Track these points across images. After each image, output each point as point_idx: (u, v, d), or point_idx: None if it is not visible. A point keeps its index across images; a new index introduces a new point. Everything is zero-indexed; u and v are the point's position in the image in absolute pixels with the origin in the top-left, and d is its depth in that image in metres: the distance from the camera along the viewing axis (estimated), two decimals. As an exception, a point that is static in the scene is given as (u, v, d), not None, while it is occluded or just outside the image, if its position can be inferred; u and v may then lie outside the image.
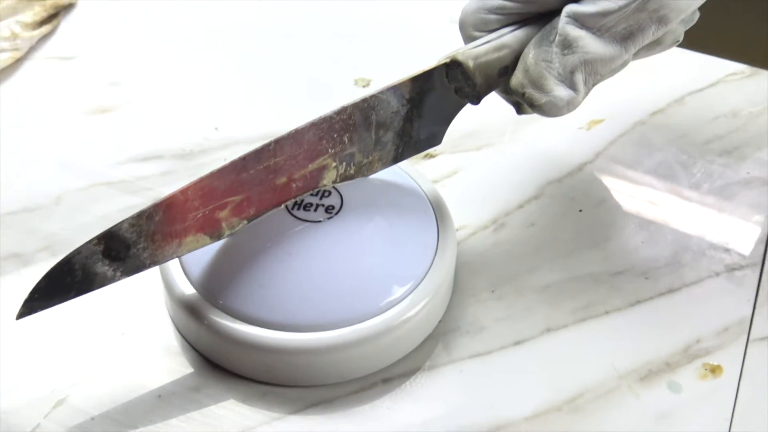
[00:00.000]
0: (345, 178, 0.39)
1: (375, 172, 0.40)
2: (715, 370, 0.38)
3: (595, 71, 0.37)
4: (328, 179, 0.38)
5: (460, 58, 0.38)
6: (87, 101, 0.51)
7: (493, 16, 0.38)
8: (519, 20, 0.38)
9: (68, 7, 0.58)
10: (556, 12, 0.38)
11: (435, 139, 0.40)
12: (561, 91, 0.36)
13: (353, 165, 0.39)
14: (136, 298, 0.40)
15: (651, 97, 0.52)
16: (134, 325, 0.39)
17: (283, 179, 0.37)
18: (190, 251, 0.36)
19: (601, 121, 0.51)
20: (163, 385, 0.37)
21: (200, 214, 0.36)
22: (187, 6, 0.58)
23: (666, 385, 0.38)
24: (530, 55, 0.37)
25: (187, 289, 0.38)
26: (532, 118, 0.46)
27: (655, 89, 0.53)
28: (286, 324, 0.36)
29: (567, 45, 0.36)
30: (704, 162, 0.48)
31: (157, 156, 0.48)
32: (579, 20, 0.36)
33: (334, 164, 0.38)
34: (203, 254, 0.37)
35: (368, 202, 0.39)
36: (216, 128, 0.50)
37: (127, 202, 0.45)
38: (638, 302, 0.41)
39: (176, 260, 0.38)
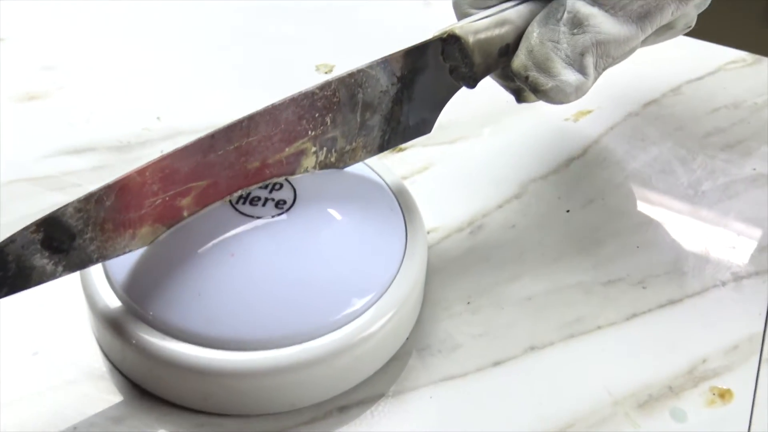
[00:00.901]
0: (324, 166, 0.34)
1: (358, 161, 0.35)
2: (724, 395, 0.33)
3: (608, 53, 0.33)
4: (305, 166, 0.34)
5: (459, 32, 0.33)
6: (14, 86, 0.46)
7: None
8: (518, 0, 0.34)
9: (0, -15, 0.52)
10: None
11: (425, 126, 0.35)
12: (569, 75, 0.33)
13: (335, 151, 0.34)
14: (51, 309, 0.34)
15: (644, 86, 0.47)
16: (49, 342, 0.34)
17: (256, 164, 0.32)
18: (144, 245, 0.31)
19: (589, 112, 0.46)
20: (81, 415, 0.32)
21: (159, 201, 0.30)
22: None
23: (668, 413, 0.33)
24: (534, 34, 0.33)
25: (111, 300, 0.32)
26: (513, 108, 0.41)
27: (649, 78, 0.48)
28: (227, 341, 0.31)
29: (577, 23, 0.32)
30: (705, 157, 0.43)
31: (89, 148, 0.42)
32: None
33: (313, 149, 0.33)
34: (129, 256, 0.32)
35: (325, 198, 0.34)
36: (158, 118, 0.44)
37: (51, 200, 0.39)
38: (635, 315, 0.36)
39: (99, 264, 0.33)
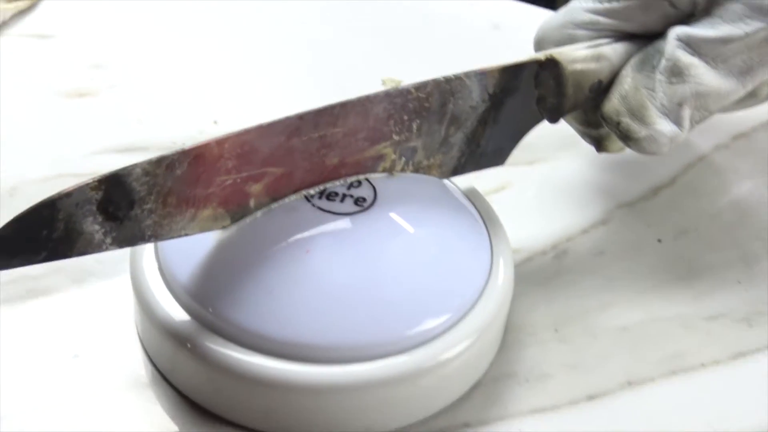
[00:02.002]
0: None
1: None
2: None
3: (706, 106, 0.31)
4: (381, 172, 0.31)
5: (558, 57, 0.31)
6: (64, 83, 0.43)
7: (581, 32, 0.33)
8: (611, 39, 0.33)
9: (52, -16, 0.50)
10: (655, 34, 0.32)
11: (500, 156, 0.33)
12: (664, 125, 0.31)
13: (412, 164, 0.31)
14: (95, 306, 0.31)
15: (730, 119, 0.44)
16: (91, 344, 0.30)
17: (335, 160, 0.29)
18: (201, 231, 0.28)
19: (674, 142, 0.42)
20: (121, 426, 0.28)
21: (230, 181, 0.27)
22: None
23: (786, 463, 0.29)
24: (629, 79, 0.31)
25: (163, 296, 0.29)
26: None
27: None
28: (296, 347, 0.27)
29: (676, 72, 0.31)
30: (804, 193, 0.40)
31: (141, 147, 0.39)
32: (693, 45, 0.31)
33: (393, 156, 0.30)
34: (187, 246, 0.28)
35: (407, 201, 0.31)
36: (215, 122, 0.41)
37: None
38: (741, 354, 0.32)
39: (151, 255, 0.29)
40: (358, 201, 0.30)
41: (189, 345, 0.28)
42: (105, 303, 0.32)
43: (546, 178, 0.40)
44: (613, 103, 0.32)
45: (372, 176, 0.31)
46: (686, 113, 0.31)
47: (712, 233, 0.37)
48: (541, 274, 0.35)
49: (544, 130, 0.39)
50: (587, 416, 0.30)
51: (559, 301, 0.34)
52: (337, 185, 0.30)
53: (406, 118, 0.30)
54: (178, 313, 0.28)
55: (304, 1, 0.51)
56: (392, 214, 0.30)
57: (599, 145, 0.35)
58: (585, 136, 0.36)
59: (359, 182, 0.30)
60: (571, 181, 0.40)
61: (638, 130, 0.31)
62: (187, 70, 0.44)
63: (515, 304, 0.33)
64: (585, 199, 0.39)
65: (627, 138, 0.32)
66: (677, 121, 0.31)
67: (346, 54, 0.47)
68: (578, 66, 0.32)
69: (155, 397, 0.29)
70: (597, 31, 0.33)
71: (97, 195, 0.25)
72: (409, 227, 0.30)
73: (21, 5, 0.47)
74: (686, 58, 0.31)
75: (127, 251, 0.30)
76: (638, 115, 0.31)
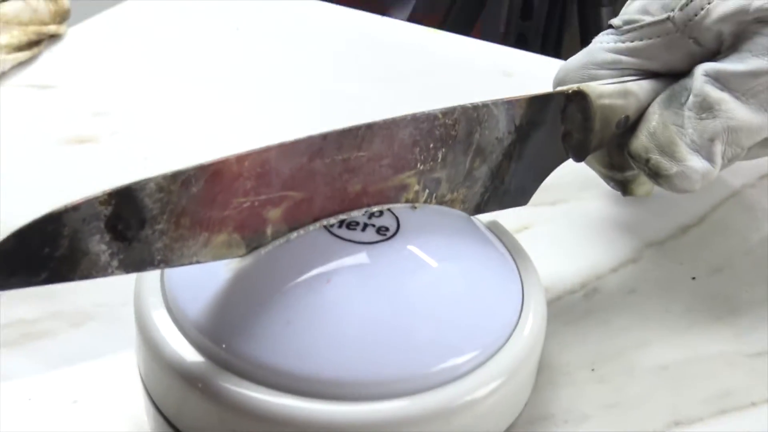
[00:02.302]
0: None
1: None
2: None
3: (738, 142, 0.30)
4: (403, 202, 0.29)
5: (586, 90, 0.30)
6: (65, 130, 0.41)
7: (603, 72, 0.32)
8: (636, 77, 0.32)
9: (54, 38, 0.49)
10: (680, 74, 0.31)
11: (523, 196, 0.32)
12: (696, 162, 0.30)
13: (435, 197, 0.29)
14: (95, 348, 0.29)
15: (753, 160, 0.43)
16: (91, 388, 0.28)
17: (357, 187, 0.27)
18: (214, 259, 0.25)
19: (699, 182, 0.41)
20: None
21: (247, 204, 0.25)
22: (188, 38, 0.50)
23: None
24: (656, 115, 0.31)
25: (172, 335, 0.26)
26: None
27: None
28: (321, 383, 0.25)
29: (706, 108, 0.30)
30: (839, 230, 0.38)
31: (145, 191, 0.37)
32: (721, 80, 0.30)
33: (416, 187, 0.29)
34: (195, 275, 0.26)
35: (431, 232, 0.29)
36: (222, 166, 0.39)
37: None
38: (792, 393, 0.30)
39: (157, 288, 0.27)
40: (381, 230, 0.28)
41: (200, 385, 0.25)
42: (105, 346, 0.29)
43: (569, 217, 0.38)
44: (641, 140, 0.31)
45: (394, 207, 0.29)
46: (718, 149, 0.30)
47: (747, 270, 0.35)
48: (572, 313, 0.33)
49: (565, 169, 0.37)
50: (634, 458, 0.27)
51: (592, 340, 0.31)
52: (358, 215, 0.28)
53: (431, 145, 0.28)
54: (186, 351, 0.26)
55: (310, 45, 0.50)
56: (417, 245, 0.28)
57: (624, 189, 0.34)
58: (609, 180, 0.34)
59: (381, 212, 0.29)
60: (595, 221, 0.38)
61: (669, 166, 0.30)
62: (191, 115, 0.43)
63: (546, 344, 0.31)
64: (611, 238, 0.37)
65: (657, 176, 0.30)
66: (709, 158, 0.30)
67: (354, 99, 0.46)
68: (606, 101, 0.31)
69: (162, 444, 0.26)
70: (619, 71, 0.32)
71: (107, 210, 0.23)
72: (434, 258, 0.28)
73: (21, 56, 0.46)
74: (716, 93, 0.30)
75: (129, 294, 0.28)
76: (668, 151, 0.30)
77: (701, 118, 0.30)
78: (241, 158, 0.25)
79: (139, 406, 0.28)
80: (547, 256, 0.34)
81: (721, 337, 0.32)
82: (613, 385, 0.30)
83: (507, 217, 0.33)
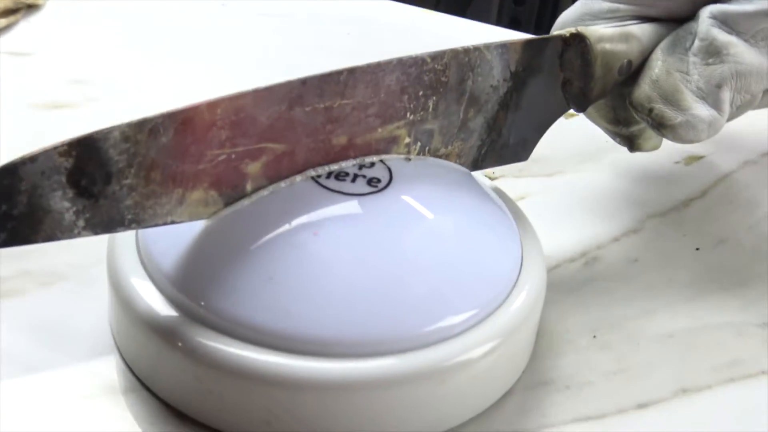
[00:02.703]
0: None
1: None
2: None
3: (747, 88, 0.29)
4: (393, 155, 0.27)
5: (584, 32, 0.29)
6: (41, 96, 0.40)
7: (601, 23, 0.30)
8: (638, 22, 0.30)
9: (32, 8, 0.47)
10: (682, 19, 0.30)
11: (523, 149, 0.30)
12: (701, 110, 0.28)
13: (428, 151, 0.28)
14: (64, 310, 0.27)
15: (758, 136, 0.41)
16: (59, 349, 0.26)
17: (342, 139, 0.26)
18: (191, 218, 0.24)
19: (700, 157, 0.39)
20: (97, 438, 0.24)
21: (223, 157, 0.24)
22: (172, 13, 0.48)
23: None
24: (659, 62, 0.29)
25: (147, 291, 0.25)
26: (614, 147, 0.35)
27: (759, 129, 0.42)
28: (302, 341, 0.23)
29: (713, 52, 0.28)
30: None
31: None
32: (729, 23, 0.28)
33: (407, 140, 0.27)
34: (173, 233, 0.25)
35: (426, 185, 0.27)
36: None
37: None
38: (804, 362, 0.28)
39: (132, 243, 0.26)
40: (372, 181, 0.26)
41: (175, 341, 0.24)
42: (76, 306, 0.28)
43: (567, 189, 0.36)
44: (643, 90, 0.29)
45: (386, 158, 0.27)
46: (726, 96, 0.28)
47: (753, 243, 0.34)
48: (572, 281, 0.31)
49: (561, 143, 0.36)
50: (638, 424, 0.25)
51: (594, 308, 0.30)
52: (348, 165, 0.27)
53: (421, 93, 0.27)
54: (161, 306, 0.24)
55: (299, 25, 0.48)
56: (410, 197, 0.26)
57: (632, 144, 0.33)
58: (615, 136, 0.33)
59: (372, 163, 0.27)
60: (594, 192, 0.36)
61: (673, 116, 0.28)
62: (171, 86, 0.41)
63: (545, 311, 0.29)
64: (611, 209, 0.35)
65: (661, 126, 0.29)
66: (716, 105, 0.28)
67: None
68: (606, 45, 0.29)
69: (132, 405, 0.25)
70: (618, 19, 0.30)
71: (67, 163, 0.21)
72: (428, 213, 0.27)
73: (-3, 24, 0.45)
74: (723, 36, 0.28)
75: (102, 254, 0.26)
76: (672, 100, 0.28)
77: (707, 64, 0.28)
78: (212, 105, 0.23)
79: (111, 367, 0.26)
80: (544, 225, 0.33)
81: (728, 307, 0.30)
82: (617, 353, 0.28)
83: (503, 187, 0.31)
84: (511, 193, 0.35)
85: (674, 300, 0.31)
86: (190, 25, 0.47)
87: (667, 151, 0.39)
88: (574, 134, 0.39)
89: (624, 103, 0.31)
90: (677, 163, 0.39)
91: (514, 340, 0.26)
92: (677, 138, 0.29)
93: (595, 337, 0.28)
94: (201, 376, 0.24)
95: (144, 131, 0.22)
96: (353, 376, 0.23)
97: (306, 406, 0.23)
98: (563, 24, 0.31)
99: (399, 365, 0.23)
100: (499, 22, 0.65)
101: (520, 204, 0.34)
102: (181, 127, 0.23)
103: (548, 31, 0.31)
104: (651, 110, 0.29)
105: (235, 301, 0.24)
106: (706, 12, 0.29)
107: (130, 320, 0.25)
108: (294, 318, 0.23)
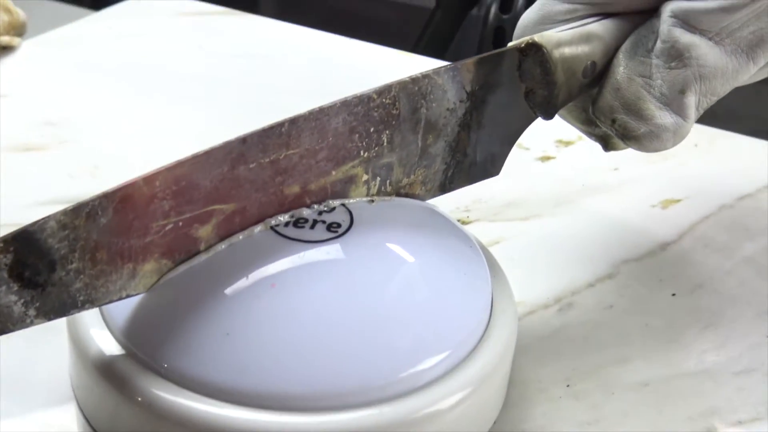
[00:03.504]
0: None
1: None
2: None
3: (713, 90, 0.27)
4: (354, 197, 0.26)
5: (540, 41, 0.27)
6: (12, 138, 0.39)
7: (561, 26, 0.28)
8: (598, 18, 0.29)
9: (7, 49, 0.47)
10: (646, 12, 0.28)
11: (493, 165, 0.29)
12: (665, 118, 0.27)
13: (389, 184, 0.27)
14: (22, 363, 0.26)
15: (733, 180, 0.41)
16: (16, 398, 0.25)
17: (295, 188, 0.25)
18: (146, 288, 0.23)
19: (677, 201, 0.39)
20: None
21: (170, 226, 0.23)
22: (149, 56, 0.48)
23: None
24: (621, 68, 0.27)
25: (107, 343, 0.24)
26: (590, 190, 0.34)
27: (738, 173, 0.41)
28: (259, 396, 0.23)
29: (675, 55, 0.26)
30: (823, 250, 0.36)
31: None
32: (691, 21, 0.26)
33: (365, 177, 0.26)
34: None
35: (389, 227, 0.27)
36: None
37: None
38: (781, 411, 0.28)
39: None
40: (332, 227, 0.26)
41: (138, 398, 0.23)
42: (34, 356, 0.27)
43: (543, 233, 0.36)
44: (606, 99, 0.28)
45: (348, 201, 0.27)
46: (691, 101, 0.27)
47: (730, 288, 0.33)
48: (546, 327, 0.31)
49: (537, 186, 0.36)
50: (614, 479, 0.25)
51: (568, 355, 0.29)
52: (307, 212, 0.26)
53: (372, 129, 0.26)
54: (122, 361, 0.24)
55: (276, 66, 0.48)
56: (371, 242, 0.26)
57: (606, 144, 0.31)
58: (590, 135, 0.31)
59: (333, 207, 0.26)
60: (570, 237, 0.36)
61: (636, 127, 0.27)
62: (145, 129, 0.41)
63: (518, 359, 0.28)
64: (586, 254, 0.35)
65: (624, 137, 0.28)
66: (680, 111, 0.27)
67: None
68: (565, 49, 0.27)
69: (93, 460, 0.24)
70: (578, 19, 0.28)
71: (6, 259, 0.20)
72: (390, 257, 0.26)
73: (-30, 67, 0.44)
74: (685, 37, 0.26)
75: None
76: (634, 109, 0.27)
77: (670, 68, 0.27)
78: (149, 179, 0.22)
79: (70, 418, 0.25)
80: (518, 270, 0.32)
81: (704, 354, 0.30)
82: (591, 402, 0.27)
83: (476, 231, 0.31)
84: (486, 237, 0.34)
85: (649, 347, 0.30)
86: (165, 67, 0.47)
87: (645, 194, 0.39)
88: (550, 178, 0.39)
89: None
90: (654, 206, 0.38)
91: (484, 390, 0.25)
92: (642, 148, 0.28)
93: (568, 386, 0.28)
94: (161, 431, 0.23)
95: (81, 216, 0.21)
96: (316, 430, 0.22)
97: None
98: (523, 28, 0.30)
99: (364, 418, 0.23)
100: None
101: (495, 248, 0.34)
102: (119, 205, 0.22)
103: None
104: (614, 120, 0.28)
105: (192, 357, 0.23)
106: (668, 10, 0.27)
107: (89, 372, 0.24)
108: (252, 373, 0.23)
